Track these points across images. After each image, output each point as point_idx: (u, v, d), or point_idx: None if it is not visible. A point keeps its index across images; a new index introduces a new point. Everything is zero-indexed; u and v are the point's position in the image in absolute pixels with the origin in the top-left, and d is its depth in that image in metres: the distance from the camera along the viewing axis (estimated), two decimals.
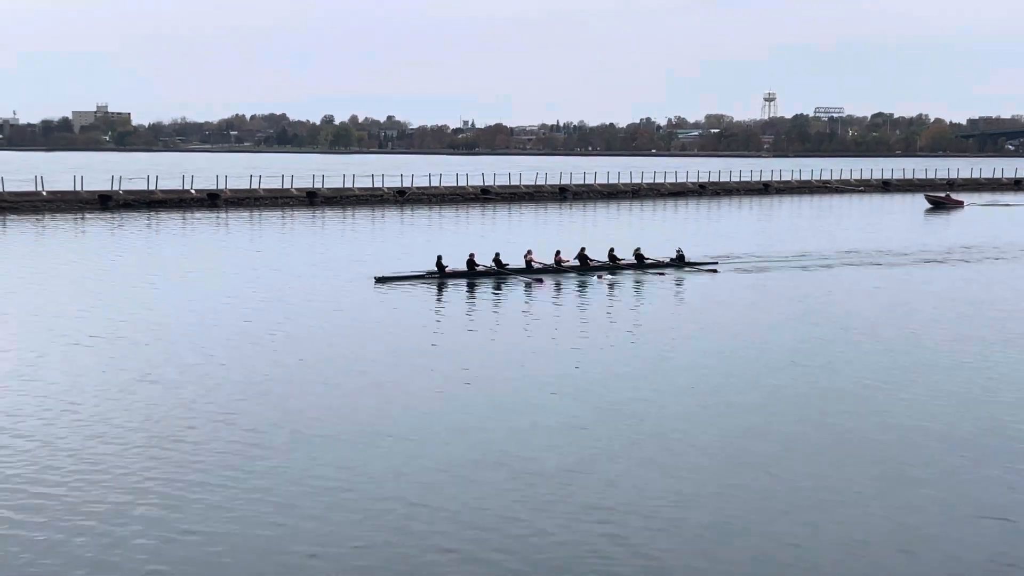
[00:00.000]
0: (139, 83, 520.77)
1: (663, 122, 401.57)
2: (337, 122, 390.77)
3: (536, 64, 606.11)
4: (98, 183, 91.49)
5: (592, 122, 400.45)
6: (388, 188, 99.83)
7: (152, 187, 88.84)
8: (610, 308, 36.99)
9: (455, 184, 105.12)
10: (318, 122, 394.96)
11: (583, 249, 46.40)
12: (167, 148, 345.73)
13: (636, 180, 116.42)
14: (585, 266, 45.46)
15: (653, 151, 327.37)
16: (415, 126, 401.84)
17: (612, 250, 47.15)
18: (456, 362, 26.73)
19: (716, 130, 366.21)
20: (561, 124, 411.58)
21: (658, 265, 47.07)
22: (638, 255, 47.40)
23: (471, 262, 43.47)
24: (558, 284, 42.61)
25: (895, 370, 27.23)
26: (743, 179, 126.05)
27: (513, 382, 25.12)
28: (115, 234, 65.09)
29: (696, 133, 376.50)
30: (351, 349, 28.42)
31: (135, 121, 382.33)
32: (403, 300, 37.46)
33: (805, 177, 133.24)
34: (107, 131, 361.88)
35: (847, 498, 17.72)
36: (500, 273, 43.50)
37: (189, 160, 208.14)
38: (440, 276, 42.30)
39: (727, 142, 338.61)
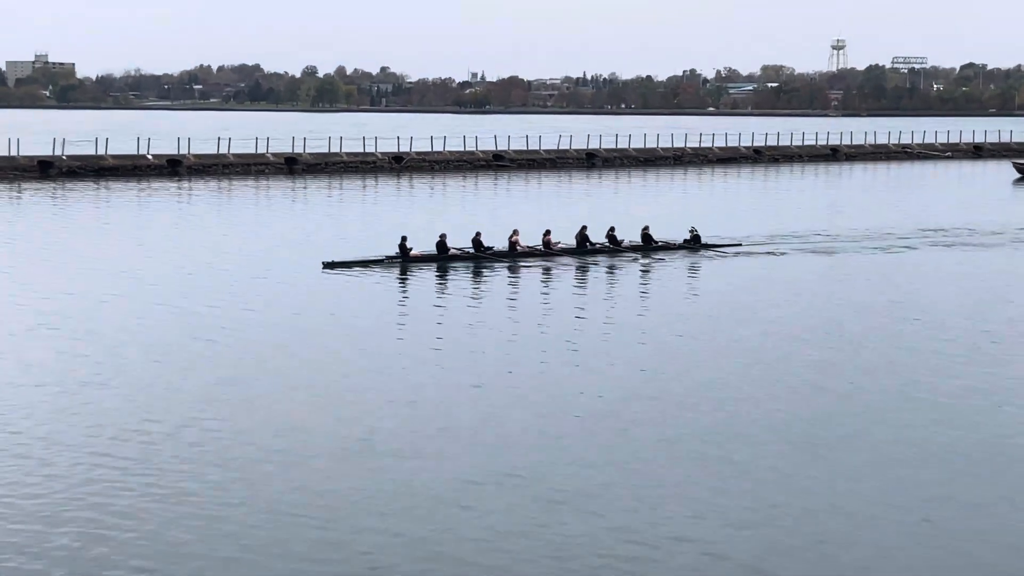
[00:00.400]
0: (85, 28, 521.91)
1: (711, 74, 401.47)
2: (321, 74, 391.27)
3: (557, 4, 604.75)
4: (37, 147, 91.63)
5: (626, 75, 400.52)
6: (382, 153, 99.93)
7: (101, 152, 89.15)
8: (607, 298, 37.07)
9: (462, 148, 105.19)
10: (298, 74, 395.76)
11: (584, 228, 46.04)
12: (118, 105, 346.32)
13: (678, 144, 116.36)
14: (583, 249, 45.34)
15: (701, 109, 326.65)
16: (414, 79, 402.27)
17: (612, 230, 46.70)
18: (398, 374, 26.40)
19: (774, 84, 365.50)
20: (589, 77, 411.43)
21: (668, 248, 46.87)
22: (646, 236, 47.07)
23: (442, 244, 43.10)
24: (547, 269, 42.47)
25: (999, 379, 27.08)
26: (806, 142, 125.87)
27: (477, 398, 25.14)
28: (56, 208, 65.33)
29: (750, 88, 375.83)
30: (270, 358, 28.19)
31: (80, 73, 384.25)
32: (349, 292, 37.13)
33: (881, 140, 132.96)
34: (47, 85, 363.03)
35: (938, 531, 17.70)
36: (477, 257, 43.25)
37: (145, 119, 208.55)
38: (403, 261, 42.01)
39: (787, 98, 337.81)
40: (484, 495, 18.56)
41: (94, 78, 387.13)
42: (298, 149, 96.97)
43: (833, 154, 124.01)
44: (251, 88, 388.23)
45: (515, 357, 28.06)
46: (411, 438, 21.43)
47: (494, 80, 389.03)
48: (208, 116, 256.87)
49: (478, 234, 44.33)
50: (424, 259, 42.59)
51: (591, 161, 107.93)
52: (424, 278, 40.30)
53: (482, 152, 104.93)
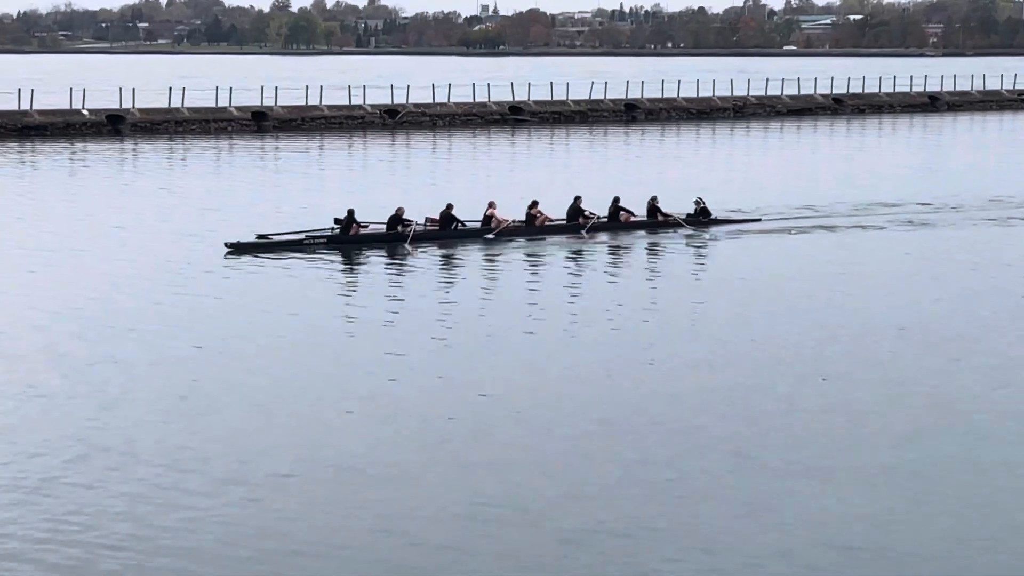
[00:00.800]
0: None
1: (779, 5, 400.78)
2: (295, 8, 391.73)
3: None
4: None
5: (673, 7, 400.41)
6: (372, 106, 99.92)
7: (25, 106, 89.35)
8: (592, 285, 37.11)
9: (470, 100, 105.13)
10: (267, 9, 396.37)
11: (578, 199, 45.91)
12: (45, 48, 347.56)
13: (739, 92, 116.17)
14: (575, 222, 45.28)
15: (767, 48, 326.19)
16: (410, 14, 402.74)
17: (617, 200, 46.55)
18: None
19: (858, 16, 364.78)
20: (627, 9, 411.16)
21: (669, 224, 46.58)
22: (653, 207, 46.99)
23: (396, 219, 42.83)
24: (530, 251, 42.33)
25: None
26: (898, 89, 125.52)
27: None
28: None
29: (828, 21, 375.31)
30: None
31: None
32: (251, 284, 36.84)
33: (991, 85, 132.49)
34: None
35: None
36: (444, 235, 43.08)
37: (78, 66, 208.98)
38: (341, 240, 41.82)
39: (874, 34, 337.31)
40: (487, 526, 18.77)
41: (14, 15, 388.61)
42: (268, 102, 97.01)
43: (932, 103, 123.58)
44: (209, 26, 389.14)
45: (478, 366, 27.69)
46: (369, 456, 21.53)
47: (509, 14, 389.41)
48: (156, 61, 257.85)
49: (449, 207, 44.01)
50: (367, 239, 42.27)
51: (631, 114, 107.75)
52: (373, 262, 40.10)
53: (496, 104, 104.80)
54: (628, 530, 18.45)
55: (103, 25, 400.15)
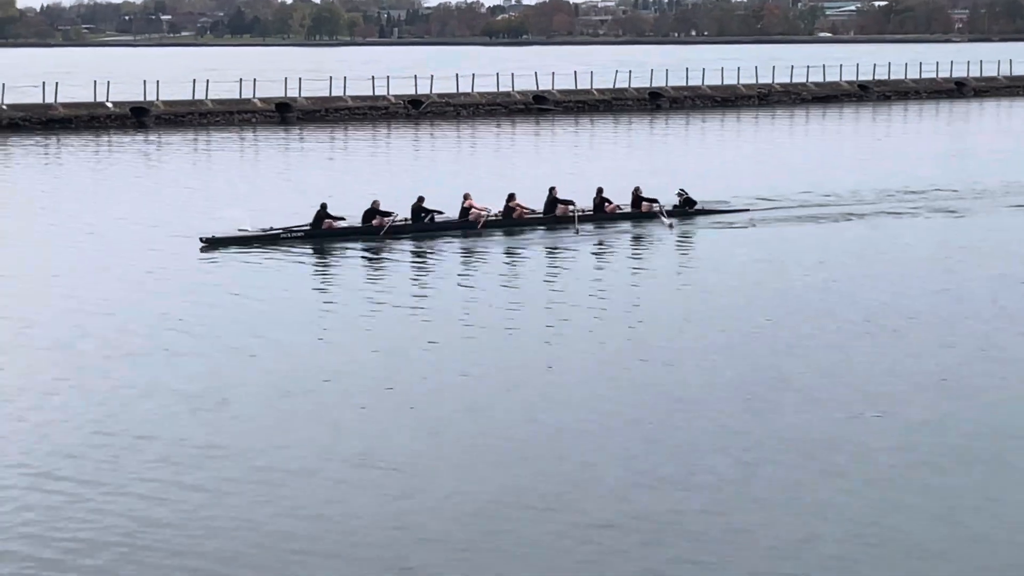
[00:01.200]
0: None
1: None
2: None
3: None
4: None
5: None
6: (395, 97, 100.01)
7: (49, 99, 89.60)
8: (570, 278, 36.72)
9: (494, 89, 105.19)
10: (289, 0, 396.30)
11: (553, 190, 45.36)
12: (69, 41, 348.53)
13: (764, 80, 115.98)
14: (552, 213, 44.76)
15: (792, 36, 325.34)
16: (432, 4, 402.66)
17: (601, 190, 46.00)
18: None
19: (883, 3, 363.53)
20: None
21: (651, 215, 45.81)
22: (638, 196, 46.37)
23: (373, 211, 42.56)
24: (510, 246, 41.78)
25: None
26: (924, 75, 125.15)
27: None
28: None
29: (853, 7, 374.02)
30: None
31: (21, 3, 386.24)
32: (224, 279, 36.58)
33: (1017, 71, 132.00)
34: None
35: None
36: (422, 229, 42.62)
37: (102, 58, 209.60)
38: (313, 235, 41.63)
39: (899, 20, 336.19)
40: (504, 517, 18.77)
41: (38, 8, 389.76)
42: (291, 93, 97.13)
43: (958, 89, 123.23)
44: (232, 18, 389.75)
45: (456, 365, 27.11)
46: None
47: (532, 3, 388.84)
48: (180, 54, 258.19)
49: (420, 199, 43.42)
50: (339, 233, 41.97)
51: (656, 102, 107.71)
52: (348, 256, 39.83)
53: (519, 93, 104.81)
54: (644, 522, 18.42)
55: (126, 18, 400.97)
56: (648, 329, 29.95)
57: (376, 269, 38.34)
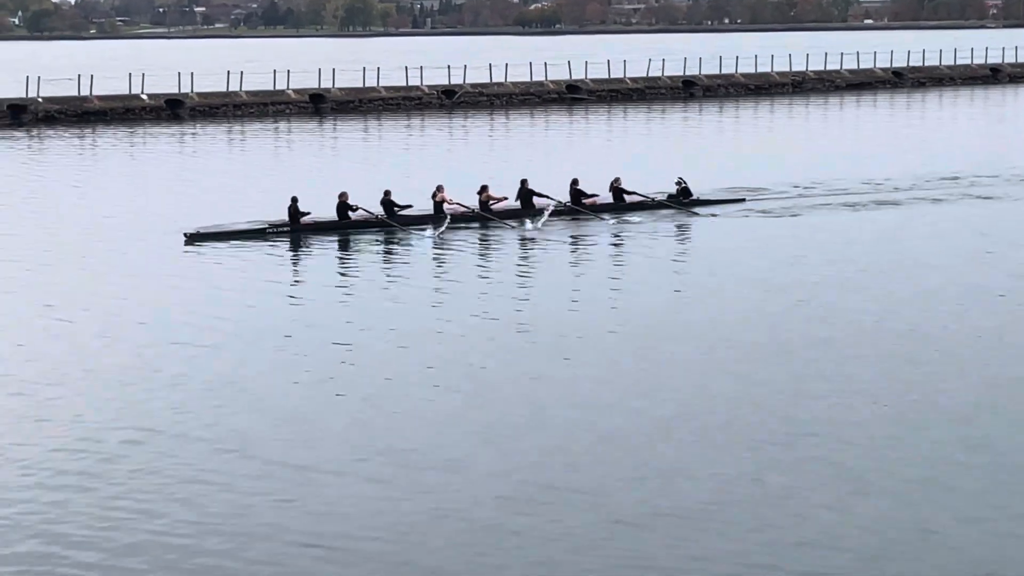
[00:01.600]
0: None
1: None
2: None
3: None
4: (6, 87, 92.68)
5: None
6: (429, 87, 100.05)
7: (84, 92, 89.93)
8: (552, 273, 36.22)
9: (527, 79, 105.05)
10: None
11: (524, 182, 44.61)
12: (103, 34, 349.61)
13: (797, 67, 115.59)
14: (529, 206, 43.97)
15: (825, 23, 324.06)
16: None
17: (575, 182, 45.13)
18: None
19: None
20: None
21: (644, 206, 45.26)
22: (617, 189, 45.68)
23: (343, 206, 42.20)
24: (484, 236, 41.54)
25: None
26: (959, 61, 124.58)
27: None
28: (29, 161, 65.98)
29: None
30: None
31: None
32: (208, 275, 36.30)
33: None
34: (15, 11, 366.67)
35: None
36: (386, 224, 41.99)
37: (137, 51, 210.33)
38: (292, 229, 41.41)
39: (933, 7, 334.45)
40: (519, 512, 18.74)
41: (73, 1, 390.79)
42: (325, 84, 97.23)
43: (993, 75, 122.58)
44: (265, 10, 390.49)
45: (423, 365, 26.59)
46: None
47: None
48: (214, 45, 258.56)
49: (387, 193, 42.77)
50: (316, 227, 41.66)
51: (689, 91, 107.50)
52: (322, 251, 39.60)
53: (553, 83, 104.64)
54: (684, 513, 18.39)
55: (160, 10, 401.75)
56: (675, 321, 29.98)
57: (390, 262, 38.25)
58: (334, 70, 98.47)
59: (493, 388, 24.62)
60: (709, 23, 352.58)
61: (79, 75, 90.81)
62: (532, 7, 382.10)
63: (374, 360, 26.58)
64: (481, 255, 39.04)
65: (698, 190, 46.59)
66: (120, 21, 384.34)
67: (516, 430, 22.10)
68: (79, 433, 22.13)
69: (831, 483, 19.50)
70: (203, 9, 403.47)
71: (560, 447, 21.21)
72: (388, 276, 35.99)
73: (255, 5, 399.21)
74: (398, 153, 68.21)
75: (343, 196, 42.23)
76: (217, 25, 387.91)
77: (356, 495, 19.26)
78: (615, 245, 40.37)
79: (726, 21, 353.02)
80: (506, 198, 43.85)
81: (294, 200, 41.79)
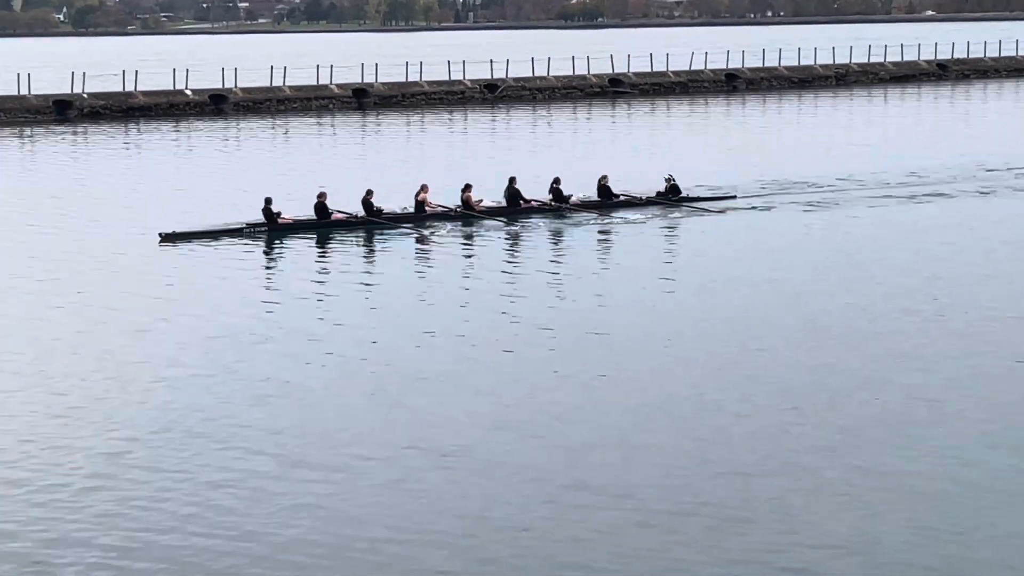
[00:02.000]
0: None
1: None
2: None
3: None
4: (52, 83, 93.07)
5: None
6: (471, 81, 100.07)
7: (129, 87, 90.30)
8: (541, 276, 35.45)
9: (570, 73, 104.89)
10: None
11: (512, 180, 44.07)
12: (147, 30, 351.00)
13: (841, 60, 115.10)
14: (515, 206, 43.59)
15: (869, 15, 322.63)
16: None
17: (556, 181, 44.58)
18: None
19: None
20: None
21: (633, 204, 44.72)
22: (603, 187, 45.08)
23: (321, 207, 41.80)
24: (467, 236, 41.05)
25: None
26: (1004, 53, 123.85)
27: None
28: (76, 155, 66.32)
29: None
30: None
31: None
32: (184, 276, 35.89)
33: None
34: (61, 7, 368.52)
35: None
36: (372, 222, 41.65)
37: (180, 47, 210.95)
38: (269, 229, 41.13)
39: (979, 0, 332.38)
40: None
41: None
42: (368, 78, 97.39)
43: None
44: (308, 5, 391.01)
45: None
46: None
47: None
48: (257, 41, 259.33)
49: (369, 193, 42.40)
50: (293, 227, 41.33)
51: (732, 84, 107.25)
52: (300, 251, 39.26)
53: (595, 76, 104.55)
54: (714, 514, 18.26)
55: (204, 6, 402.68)
56: (709, 315, 29.94)
57: (369, 261, 38.01)
58: (377, 65, 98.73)
59: (474, 387, 24.46)
60: (752, 16, 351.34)
61: (123, 71, 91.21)
62: (574, 1, 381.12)
63: (374, 360, 26.50)
64: (466, 255, 38.76)
65: (734, 184, 46.22)
66: (164, 17, 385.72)
67: (489, 432, 21.97)
68: (62, 432, 22.13)
69: (862, 484, 19.34)
70: (246, 4, 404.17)
71: (563, 446, 21.12)
72: (368, 274, 35.88)
73: (298, 0, 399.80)
74: (439, 148, 68.29)
75: (321, 196, 41.80)
76: (260, 20, 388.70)
77: (356, 495, 19.26)
78: (601, 242, 40.25)
79: (769, 14, 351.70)
80: (482, 200, 43.40)
81: (268, 201, 41.29)
